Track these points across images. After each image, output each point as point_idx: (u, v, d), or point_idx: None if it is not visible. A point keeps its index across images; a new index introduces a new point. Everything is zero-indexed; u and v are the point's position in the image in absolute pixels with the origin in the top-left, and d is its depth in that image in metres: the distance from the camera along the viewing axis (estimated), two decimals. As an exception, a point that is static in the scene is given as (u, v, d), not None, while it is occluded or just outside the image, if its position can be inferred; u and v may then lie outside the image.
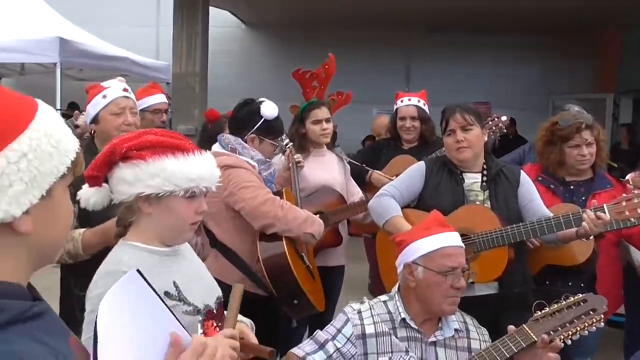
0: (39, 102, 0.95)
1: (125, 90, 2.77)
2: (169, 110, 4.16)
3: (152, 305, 1.11)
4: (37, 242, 0.94)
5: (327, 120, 3.49)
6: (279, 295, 2.75)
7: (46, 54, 7.39)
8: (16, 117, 0.90)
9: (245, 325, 1.74)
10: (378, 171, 3.81)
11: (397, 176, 3.10)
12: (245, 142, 2.87)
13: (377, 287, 3.82)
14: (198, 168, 1.59)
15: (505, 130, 3.55)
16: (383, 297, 2.24)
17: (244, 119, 2.93)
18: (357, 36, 9.90)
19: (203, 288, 1.72)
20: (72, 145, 0.95)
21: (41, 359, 0.88)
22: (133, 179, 1.53)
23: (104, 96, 2.70)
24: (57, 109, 5.84)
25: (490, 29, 10.08)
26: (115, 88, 2.74)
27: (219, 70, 9.25)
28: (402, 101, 3.99)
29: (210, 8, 7.63)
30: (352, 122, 7.79)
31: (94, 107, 2.72)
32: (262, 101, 2.97)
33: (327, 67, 3.65)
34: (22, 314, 0.91)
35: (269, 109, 2.92)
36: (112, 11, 10.42)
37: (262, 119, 2.91)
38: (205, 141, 3.23)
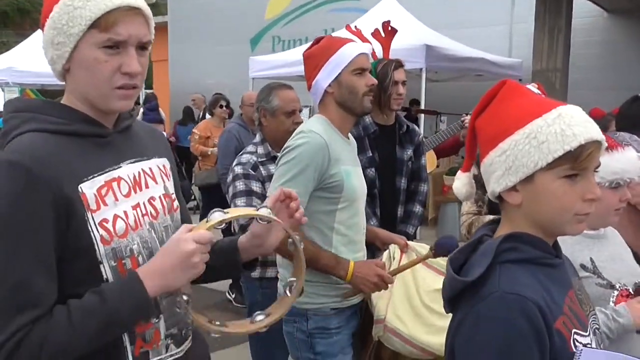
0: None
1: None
2: None
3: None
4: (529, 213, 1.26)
5: None
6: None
7: (413, 60, 8.26)
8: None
9: None
10: None
11: None
12: None
13: None
14: (622, 162, 1.84)
15: None
16: None
17: (638, 115, 2.95)
18: None
19: (622, 269, 1.90)
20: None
21: (522, 287, 1.16)
22: None
23: None
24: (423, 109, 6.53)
25: None
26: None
27: (581, 63, 8.94)
28: None
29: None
30: None
31: None
32: None
33: None
34: (535, 259, 1.23)
35: None
36: (467, 14, 10.92)
37: (658, 111, 2.91)
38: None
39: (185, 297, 1.36)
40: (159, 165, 1.46)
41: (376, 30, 3.35)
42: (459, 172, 1.44)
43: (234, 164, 3.10)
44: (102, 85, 1.27)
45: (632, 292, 1.87)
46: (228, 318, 1.55)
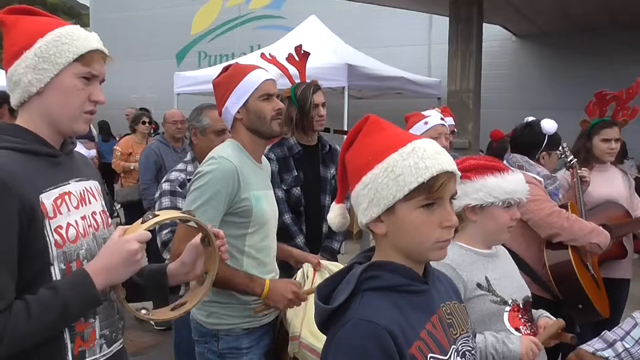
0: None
1: (442, 119, 3.35)
2: (456, 131, 4.62)
3: None
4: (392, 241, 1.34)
5: (617, 140, 3.57)
6: (565, 298, 2.97)
7: (336, 79, 8.49)
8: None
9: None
10: (669, 186, 3.74)
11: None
12: (537, 160, 3.19)
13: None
14: (512, 183, 2.00)
15: None
16: None
17: (530, 141, 3.26)
18: (638, 37, 9.22)
19: (513, 285, 2.07)
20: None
21: (377, 314, 1.22)
22: (461, 194, 1.98)
23: (426, 122, 3.32)
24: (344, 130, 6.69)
25: None
26: (434, 116, 3.35)
27: (492, 84, 9.46)
28: None
29: (484, 24, 7.93)
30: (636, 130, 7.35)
31: (415, 130, 3.34)
32: (539, 120, 3.27)
33: (631, 91, 3.69)
34: (396, 286, 1.31)
35: (549, 126, 3.24)
36: (388, 34, 11.32)
37: (546, 136, 3.23)
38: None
39: (122, 293, 1.55)
40: (96, 186, 1.67)
41: (290, 55, 3.48)
42: (334, 204, 1.51)
43: (163, 180, 3.17)
44: (74, 108, 1.52)
45: (522, 307, 2.06)
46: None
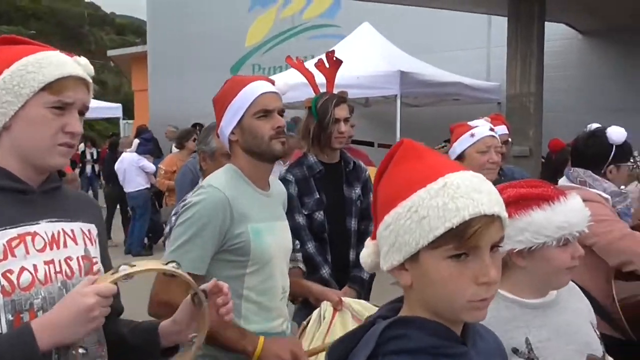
0: None
1: (491, 130, 2.95)
2: (510, 141, 4.17)
3: None
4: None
5: None
6: (639, 339, 2.53)
7: (388, 87, 8.18)
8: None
9: None
10: None
11: None
12: (604, 174, 2.74)
13: None
14: (567, 215, 1.56)
15: None
16: None
17: (594, 153, 2.80)
18: None
19: (571, 347, 1.61)
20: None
21: None
22: None
23: (472, 135, 2.92)
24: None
25: None
26: (483, 127, 2.95)
27: (556, 85, 8.86)
28: None
29: (546, 23, 7.40)
30: None
31: (461, 144, 2.95)
32: (604, 128, 2.81)
33: None
34: (427, 348, 1.06)
35: (617, 135, 2.76)
36: (446, 37, 10.88)
37: (614, 147, 2.76)
38: (551, 171, 3.18)
39: (81, 351, 1.35)
40: (84, 229, 1.50)
41: (320, 61, 3.19)
42: (368, 240, 1.24)
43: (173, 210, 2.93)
44: (45, 141, 1.38)
45: None
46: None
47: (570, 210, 1.57)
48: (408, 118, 8.73)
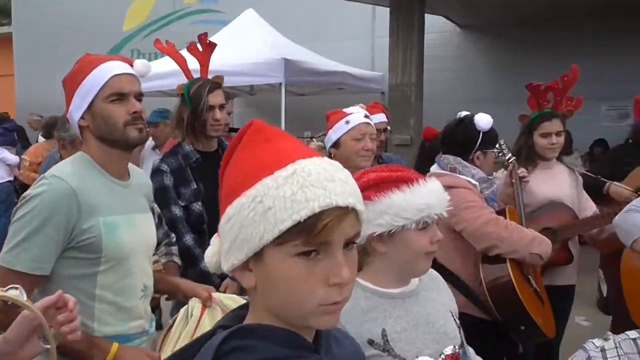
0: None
1: (366, 117, 2.90)
2: (389, 129, 4.18)
3: None
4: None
5: (558, 134, 3.22)
6: (505, 320, 2.60)
7: (272, 74, 8.07)
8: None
9: None
10: (617, 183, 3.43)
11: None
12: (472, 160, 2.79)
13: (616, 311, 3.45)
14: (425, 197, 1.52)
15: None
16: (632, 334, 1.96)
17: (462, 140, 2.85)
18: (582, 28, 9.06)
19: (428, 337, 1.58)
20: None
21: None
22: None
23: (347, 122, 2.85)
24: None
25: None
26: (357, 114, 2.89)
27: (435, 77, 9.17)
28: None
29: (426, 15, 7.62)
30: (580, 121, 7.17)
31: (335, 132, 2.88)
32: (472, 115, 2.87)
33: (566, 79, 3.34)
34: (279, 359, 0.94)
35: (483, 121, 2.83)
36: (332, 27, 10.93)
37: (481, 133, 2.82)
38: (424, 158, 3.21)
39: None
40: None
41: (192, 44, 3.00)
42: (214, 237, 1.07)
43: None
44: None
45: None
46: None
47: (429, 192, 1.54)
48: (293, 106, 8.67)
